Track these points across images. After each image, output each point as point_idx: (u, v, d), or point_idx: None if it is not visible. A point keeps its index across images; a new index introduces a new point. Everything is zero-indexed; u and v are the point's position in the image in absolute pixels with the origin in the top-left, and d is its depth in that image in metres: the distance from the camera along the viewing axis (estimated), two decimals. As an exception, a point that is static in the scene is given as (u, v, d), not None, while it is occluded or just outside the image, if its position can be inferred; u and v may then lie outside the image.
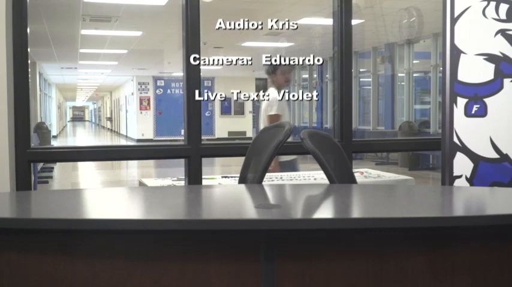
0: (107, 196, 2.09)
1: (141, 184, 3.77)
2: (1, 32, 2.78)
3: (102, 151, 3.31)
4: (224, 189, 2.55)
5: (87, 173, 11.77)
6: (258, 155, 2.43)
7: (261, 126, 4.31)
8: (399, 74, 12.93)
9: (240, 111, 23.16)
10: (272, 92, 4.17)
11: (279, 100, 4.13)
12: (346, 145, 3.31)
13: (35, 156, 3.05)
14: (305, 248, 1.50)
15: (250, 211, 1.76)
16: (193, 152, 3.17)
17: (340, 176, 2.37)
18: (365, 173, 3.94)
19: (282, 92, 4.10)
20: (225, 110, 23.07)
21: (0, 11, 2.78)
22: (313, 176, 3.80)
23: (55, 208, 1.78)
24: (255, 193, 2.15)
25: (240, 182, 2.53)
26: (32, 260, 1.50)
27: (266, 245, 1.50)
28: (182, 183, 3.51)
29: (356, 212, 1.82)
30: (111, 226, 1.50)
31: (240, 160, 2.66)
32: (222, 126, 22.67)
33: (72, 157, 3.53)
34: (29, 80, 2.95)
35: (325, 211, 1.82)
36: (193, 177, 3.17)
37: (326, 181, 2.30)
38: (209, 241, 1.50)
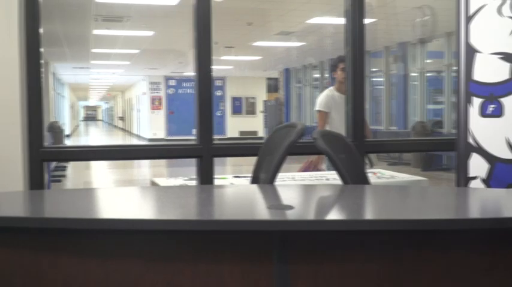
0: (119, 195, 2.09)
1: (153, 183, 3.77)
2: (14, 32, 2.79)
3: (114, 151, 3.32)
4: (236, 189, 2.53)
5: (100, 172, 11.83)
6: (270, 155, 2.41)
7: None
8: (412, 74, 12.86)
9: (251, 111, 23.17)
10: (325, 90, 4.89)
11: (324, 97, 4.82)
12: (358, 145, 3.28)
13: (48, 155, 3.06)
14: (318, 249, 1.48)
15: (262, 211, 1.75)
16: (204, 151, 3.16)
17: (353, 177, 2.35)
18: (378, 174, 3.90)
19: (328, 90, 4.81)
20: (236, 110, 23.09)
21: (13, 11, 2.79)
22: (325, 176, 3.78)
23: (67, 208, 1.77)
24: (267, 193, 2.13)
25: (253, 182, 2.52)
26: (44, 259, 1.50)
27: (279, 247, 1.48)
28: (194, 183, 3.50)
29: (370, 214, 1.80)
30: (123, 226, 1.50)
31: (251, 159, 2.65)
32: (234, 126, 22.68)
33: (84, 156, 3.53)
34: (42, 80, 2.96)
35: (338, 212, 1.80)
36: (205, 177, 3.16)
37: (338, 182, 2.28)
38: (221, 242, 1.49)
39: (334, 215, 1.78)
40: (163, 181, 3.75)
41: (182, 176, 3.85)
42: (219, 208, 1.86)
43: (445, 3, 8.02)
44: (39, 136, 2.95)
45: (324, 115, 4.79)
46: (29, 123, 2.91)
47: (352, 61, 3.41)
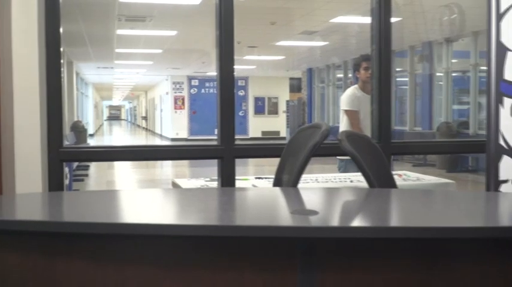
0: (138, 199, 2.04)
1: (174, 184, 3.73)
2: (33, 31, 2.77)
3: (134, 151, 3.28)
4: (258, 192, 2.47)
5: (123, 171, 11.89)
6: (293, 157, 2.35)
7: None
8: (437, 74, 12.65)
9: (273, 111, 23.11)
10: (349, 89, 4.76)
11: (351, 96, 4.64)
12: (384, 147, 3.19)
13: (67, 156, 3.04)
14: (345, 258, 1.41)
15: (285, 217, 1.68)
16: (226, 153, 3.10)
17: (379, 179, 2.27)
18: (403, 176, 3.81)
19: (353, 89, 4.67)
20: (259, 110, 23.05)
21: (32, 10, 2.77)
22: (350, 178, 3.70)
23: (85, 211, 1.73)
24: (290, 197, 2.06)
25: (275, 183, 2.45)
26: (58, 264, 1.46)
27: (303, 254, 1.41)
28: (215, 184, 3.45)
29: (399, 220, 1.71)
30: (141, 231, 1.45)
31: (274, 159, 2.58)
32: (256, 126, 22.65)
33: (104, 157, 3.51)
34: (62, 80, 2.94)
35: (365, 218, 1.72)
36: (226, 178, 3.10)
37: (363, 184, 2.20)
38: (242, 249, 1.42)
39: (361, 221, 1.70)
40: (184, 182, 3.71)
41: (204, 176, 3.81)
42: (240, 213, 1.80)
43: (472, 1, 7.85)
44: (58, 136, 2.92)
45: (354, 114, 4.54)
46: (48, 123, 2.89)
47: (378, 60, 3.32)
